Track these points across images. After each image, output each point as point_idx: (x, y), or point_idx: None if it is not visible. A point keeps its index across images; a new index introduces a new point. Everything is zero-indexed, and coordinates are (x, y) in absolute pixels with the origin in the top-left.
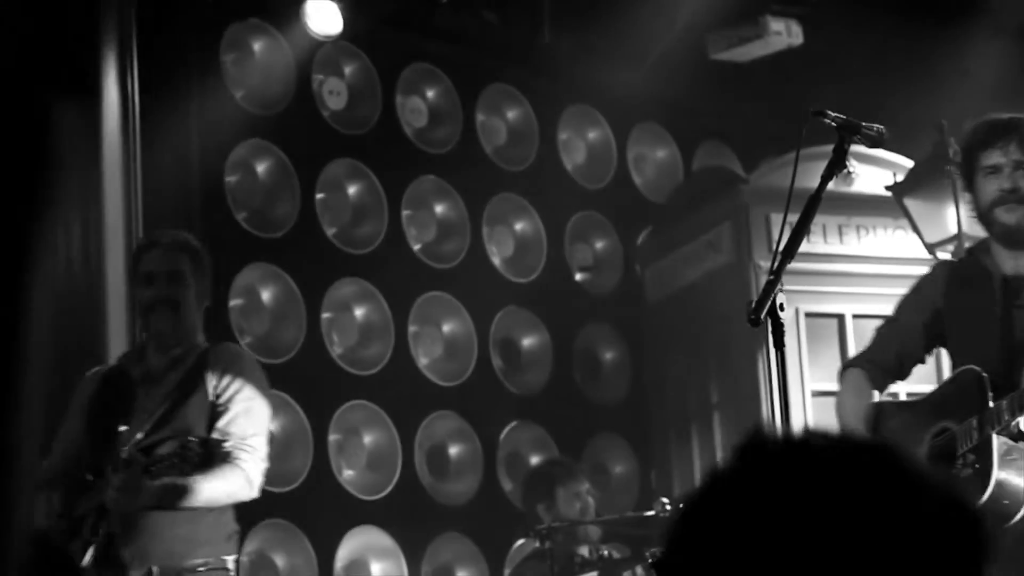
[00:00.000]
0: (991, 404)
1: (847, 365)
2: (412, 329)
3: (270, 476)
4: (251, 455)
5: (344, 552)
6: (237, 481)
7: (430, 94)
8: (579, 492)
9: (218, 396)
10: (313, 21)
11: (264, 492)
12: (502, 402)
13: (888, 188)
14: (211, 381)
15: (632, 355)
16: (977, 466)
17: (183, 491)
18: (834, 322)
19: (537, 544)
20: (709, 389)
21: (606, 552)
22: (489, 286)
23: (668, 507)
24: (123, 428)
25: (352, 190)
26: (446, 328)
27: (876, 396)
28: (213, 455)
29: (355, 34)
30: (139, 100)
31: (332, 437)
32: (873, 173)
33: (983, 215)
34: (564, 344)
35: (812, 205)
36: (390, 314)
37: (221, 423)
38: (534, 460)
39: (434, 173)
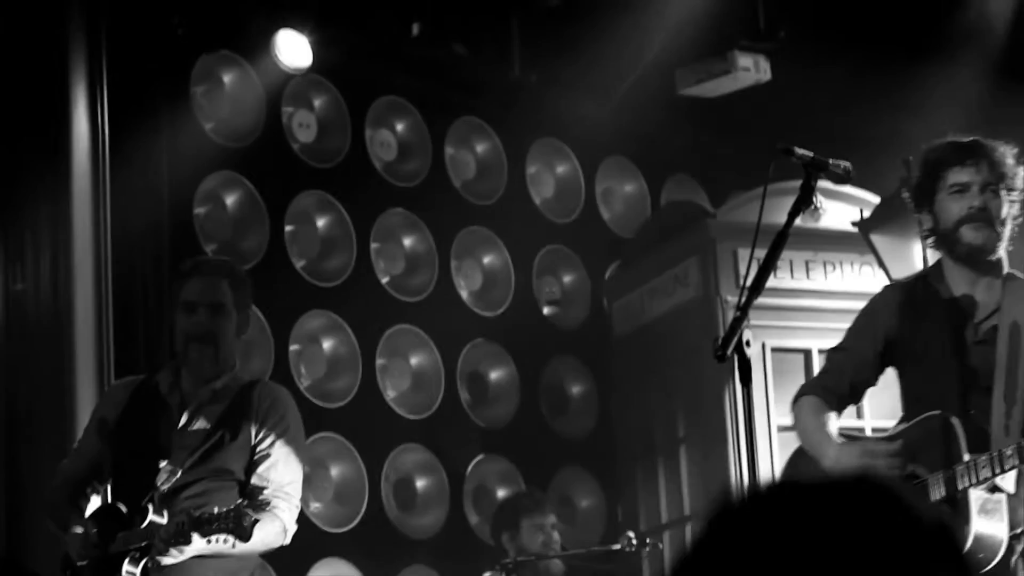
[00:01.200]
0: (966, 457)
1: (800, 393)
2: (380, 362)
3: None
4: (288, 503)
5: None
6: (275, 530)
7: (399, 127)
8: (543, 524)
9: (260, 440)
10: (283, 54)
11: None
12: (469, 435)
13: (855, 224)
14: (255, 424)
15: (599, 389)
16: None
17: (222, 548)
18: (800, 357)
19: None
20: (676, 423)
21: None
22: (457, 319)
23: (634, 541)
24: (163, 463)
25: (321, 222)
26: (414, 361)
27: (833, 420)
28: (252, 497)
29: (325, 67)
30: (108, 131)
31: None
32: (840, 209)
33: (946, 234)
34: (531, 377)
35: (779, 241)
36: (358, 347)
37: (262, 468)
38: (501, 493)
39: (403, 206)
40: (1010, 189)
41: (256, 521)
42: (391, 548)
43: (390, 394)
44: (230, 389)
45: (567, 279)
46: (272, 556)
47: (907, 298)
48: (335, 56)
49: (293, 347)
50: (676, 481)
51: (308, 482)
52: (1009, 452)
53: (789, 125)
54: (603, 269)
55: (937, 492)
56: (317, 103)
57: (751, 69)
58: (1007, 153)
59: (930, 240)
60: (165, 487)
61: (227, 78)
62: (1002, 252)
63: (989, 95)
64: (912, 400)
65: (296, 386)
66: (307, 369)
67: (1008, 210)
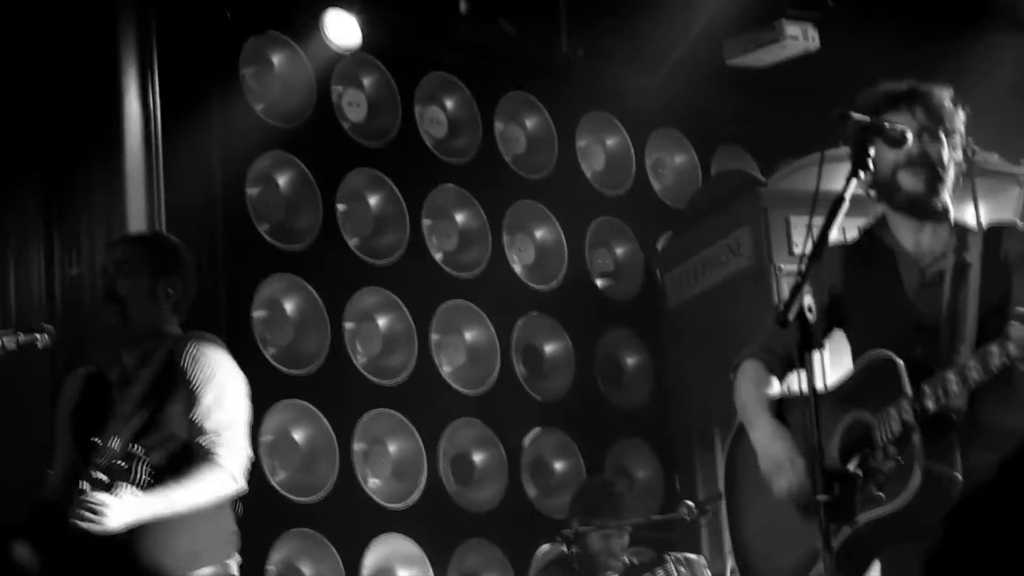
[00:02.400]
0: (909, 392)
1: (743, 357)
2: (435, 338)
3: (296, 486)
4: (229, 449)
5: (370, 560)
6: (219, 479)
7: (449, 104)
8: (609, 536)
9: (191, 393)
10: (332, 33)
11: (290, 502)
12: (525, 409)
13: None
14: (184, 379)
15: (654, 360)
16: (900, 459)
17: (164, 503)
18: None
19: (564, 549)
20: (731, 392)
21: (627, 559)
22: (511, 293)
23: (694, 510)
24: (95, 439)
25: (373, 201)
26: (468, 336)
27: (776, 386)
28: (192, 451)
29: (373, 46)
30: (160, 116)
31: (357, 446)
32: None
33: (885, 182)
34: (586, 350)
35: (837, 206)
36: (413, 323)
37: (194, 418)
38: (558, 466)
39: (454, 182)
40: (948, 132)
41: (144, 460)
42: (450, 523)
43: (446, 369)
44: (159, 349)
45: (619, 251)
46: (333, 532)
47: (852, 255)
48: (383, 35)
49: (348, 325)
50: None
51: (366, 459)
52: (972, 364)
53: (838, 93)
54: (655, 240)
55: (885, 434)
56: (366, 82)
57: (799, 38)
58: (943, 96)
59: (871, 192)
60: (99, 460)
61: (276, 59)
62: (947, 199)
63: None
64: (861, 354)
65: (352, 364)
66: (363, 347)
67: (949, 154)
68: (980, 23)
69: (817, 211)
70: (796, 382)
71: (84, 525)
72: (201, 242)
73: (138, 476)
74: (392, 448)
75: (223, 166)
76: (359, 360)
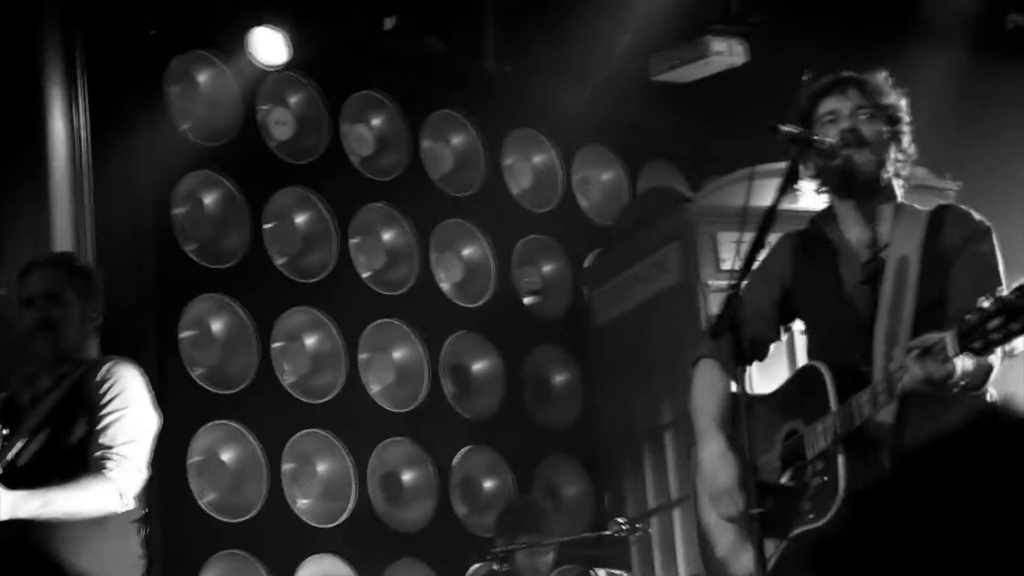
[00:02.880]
0: (833, 408)
1: (698, 356)
2: (363, 356)
3: (225, 507)
4: (119, 464)
5: None
6: (102, 492)
7: (376, 122)
8: (535, 554)
9: (97, 412)
10: (258, 51)
11: (219, 523)
12: (454, 427)
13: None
14: (92, 399)
15: (582, 377)
16: (825, 478)
17: (40, 502)
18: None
19: (493, 567)
20: (660, 409)
21: None
22: (439, 312)
23: (624, 527)
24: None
25: (300, 219)
26: (397, 355)
27: (731, 386)
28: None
29: (300, 63)
30: (86, 135)
31: (286, 466)
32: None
33: (822, 167)
34: (514, 368)
35: (768, 219)
36: (341, 342)
37: (96, 432)
38: (488, 484)
39: (382, 200)
40: (884, 111)
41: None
42: (380, 542)
43: (374, 388)
44: (73, 372)
45: (547, 268)
46: (263, 553)
47: (800, 243)
48: (310, 52)
49: (276, 344)
50: (662, 466)
51: (295, 479)
52: (880, 387)
53: (764, 108)
54: (583, 257)
55: (812, 449)
56: (293, 100)
57: (725, 53)
58: (880, 78)
59: (817, 183)
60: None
61: (202, 77)
62: (889, 179)
63: (968, 71)
64: (812, 351)
65: (280, 383)
66: (291, 366)
67: (883, 131)
68: (902, 35)
69: (747, 227)
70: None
71: None
72: (129, 262)
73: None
74: (321, 468)
75: (150, 185)
76: (287, 380)
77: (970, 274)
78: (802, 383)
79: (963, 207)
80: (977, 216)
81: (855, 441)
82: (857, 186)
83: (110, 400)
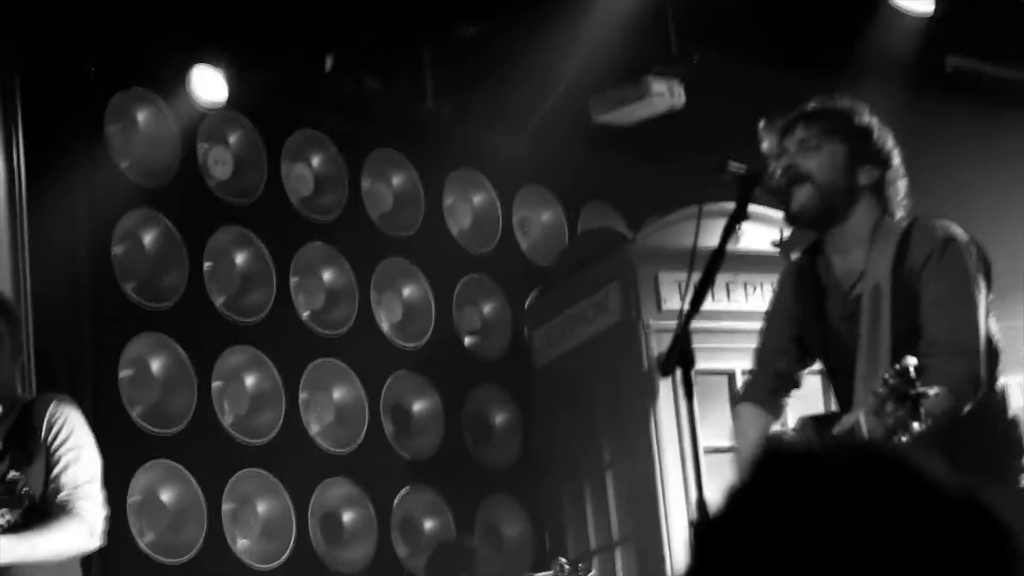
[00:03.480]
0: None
1: (736, 400)
2: (303, 396)
3: (165, 547)
4: (88, 502)
5: None
6: (79, 531)
7: (315, 161)
8: None
9: (48, 449)
10: (198, 89)
11: (157, 564)
12: (394, 467)
13: (775, 244)
14: (40, 438)
15: (523, 417)
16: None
17: (27, 547)
18: (724, 379)
19: None
20: (601, 448)
21: None
22: (378, 352)
23: (566, 567)
24: None
25: (240, 258)
26: (337, 395)
27: (772, 423)
28: (50, 508)
29: (239, 103)
30: (24, 174)
31: (225, 507)
32: (759, 231)
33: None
34: (455, 408)
35: (717, 255)
36: (280, 382)
37: (54, 474)
38: (428, 524)
39: (321, 240)
40: (834, 137)
41: (26, 488)
42: None
43: (314, 428)
44: (12, 412)
45: (487, 309)
46: None
47: (796, 278)
48: (249, 92)
49: (216, 384)
50: (603, 506)
51: (235, 519)
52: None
53: (704, 148)
54: (523, 298)
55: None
56: (232, 139)
57: (665, 94)
58: (828, 106)
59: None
60: None
61: (141, 116)
62: (850, 203)
63: (909, 110)
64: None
65: (220, 423)
66: (230, 406)
67: (833, 159)
68: (844, 71)
69: (679, 267)
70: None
71: None
72: (67, 301)
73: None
74: (261, 508)
75: (88, 224)
76: (227, 420)
77: (934, 298)
78: (804, 436)
79: (927, 221)
80: (939, 228)
81: None
82: (809, 220)
83: (65, 439)
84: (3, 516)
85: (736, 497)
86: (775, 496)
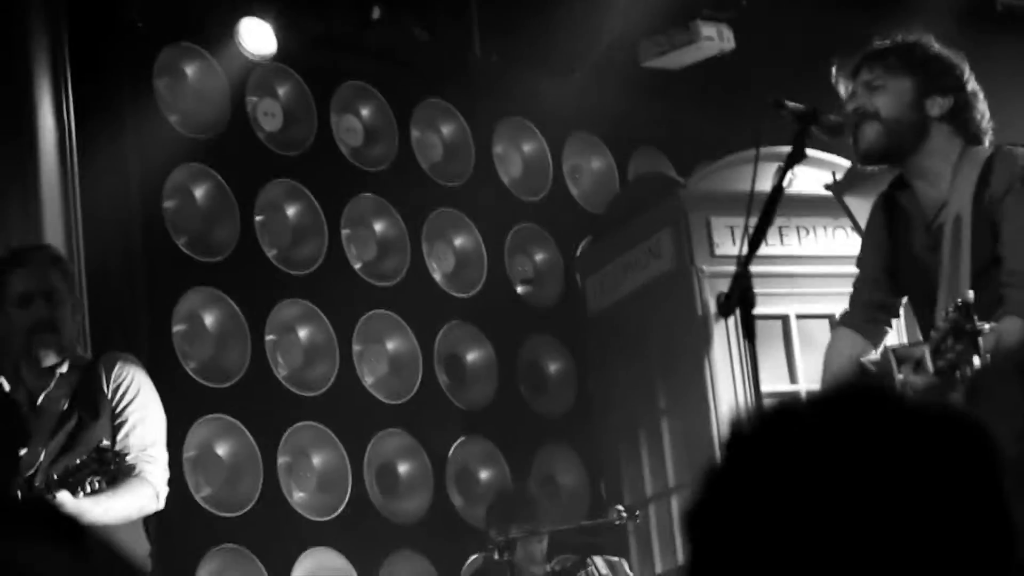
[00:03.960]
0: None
1: (837, 323)
2: (356, 348)
3: (221, 501)
4: (154, 465)
5: (298, 574)
6: (146, 494)
7: (364, 112)
8: (532, 553)
9: (115, 409)
10: (247, 42)
11: (215, 517)
12: (449, 418)
13: (827, 187)
14: (107, 395)
15: (577, 366)
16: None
17: (100, 510)
18: (779, 323)
19: (495, 557)
20: (656, 396)
21: (550, 567)
22: (431, 302)
23: (624, 514)
24: (23, 452)
25: (291, 211)
26: (390, 346)
27: (869, 350)
28: (117, 469)
29: (287, 55)
30: (74, 130)
31: (281, 459)
32: (811, 173)
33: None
34: (508, 357)
35: (776, 192)
36: (334, 334)
37: (120, 435)
38: (484, 475)
39: (372, 191)
40: (900, 73)
41: (119, 453)
42: (377, 534)
43: (368, 380)
44: (75, 370)
45: (539, 257)
46: (259, 547)
47: (885, 208)
48: (297, 44)
49: (269, 337)
50: (659, 454)
51: (291, 471)
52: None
53: (754, 93)
54: (575, 246)
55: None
56: (281, 91)
57: (715, 38)
58: (892, 43)
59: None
60: (30, 472)
61: (190, 70)
62: (927, 136)
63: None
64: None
65: (274, 376)
66: (284, 359)
67: (900, 96)
68: (894, 12)
69: (735, 212)
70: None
71: None
72: (118, 256)
73: (111, 469)
74: (316, 460)
75: (139, 179)
76: (281, 372)
77: (1012, 230)
78: (885, 366)
79: (1010, 149)
80: (1021, 157)
81: None
82: (879, 157)
83: (131, 400)
84: (92, 483)
85: (730, 457)
86: (764, 450)
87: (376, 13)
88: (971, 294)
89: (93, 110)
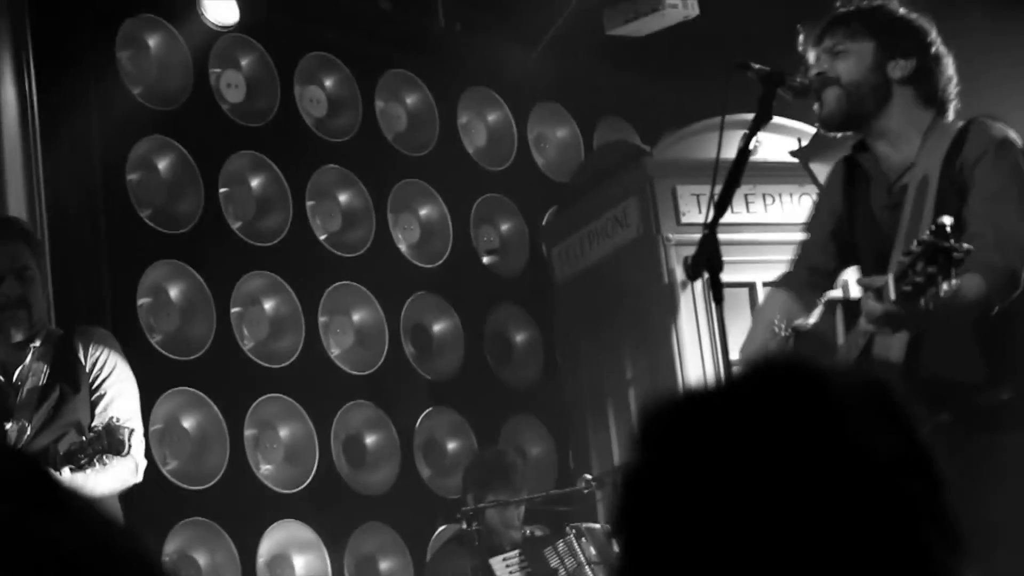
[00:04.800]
0: (841, 340)
1: (772, 283)
2: (322, 320)
3: (188, 474)
4: (134, 438)
5: (266, 547)
6: (127, 467)
7: (328, 83)
8: (508, 519)
9: (93, 382)
10: (208, 13)
11: (183, 490)
12: (416, 389)
13: (793, 154)
14: (84, 369)
15: (544, 336)
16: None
17: (88, 485)
18: (745, 291)
19: (463, 527)
20: (624, 365)
21: (528, 531)
22: (397, 273)
23: (593, 483)
24: (8, 425)
25: (255, 183)
26: (356, 317)
27: (801, 314)
28: (127, 444)
29: (250, 26)
30: (37, 101)
31: (248, 432)
32: (776, 141)
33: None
34: (475, 328)
35: (742, 157)
36: (299, 306)
37: (99, 409)
38: (451, 446)
39: (336, 162)
40: (861, 38)
41: (131, 431)
42: (345, 506)
43: (334, 351)
44: (49, 344)
45: (505, 227)
46: (226, 520)
47: (846, 169)
48: (260, 14)
49: (235, 309)
50: (626, 423)
51: (257, 444)
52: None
53: (720, 60)
54: (540, 215)
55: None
56: (244, 62)
57: (679, 5)
58: (855, 7)
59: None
60: (18, 446)
61: (152, 41)
62: (886, 100)
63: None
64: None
65: (240, 349)
66: (250, 331)
67: (862, 61)
68: None
69: (700, 181)
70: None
71: None
72: (83, 230)
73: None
74: (283, 433)
75: (102, 151)
76: (247, 345)
77: (987, 194)
78: (829, 317)
79: (986, 118)
80: (997, 128)
81: None
82: (840, 122)
83: (108, 375)
84: (101, 459)
85: (642, 446)
86: (673, 439)
87: None
88: (950, 219)
89: (55, 83)
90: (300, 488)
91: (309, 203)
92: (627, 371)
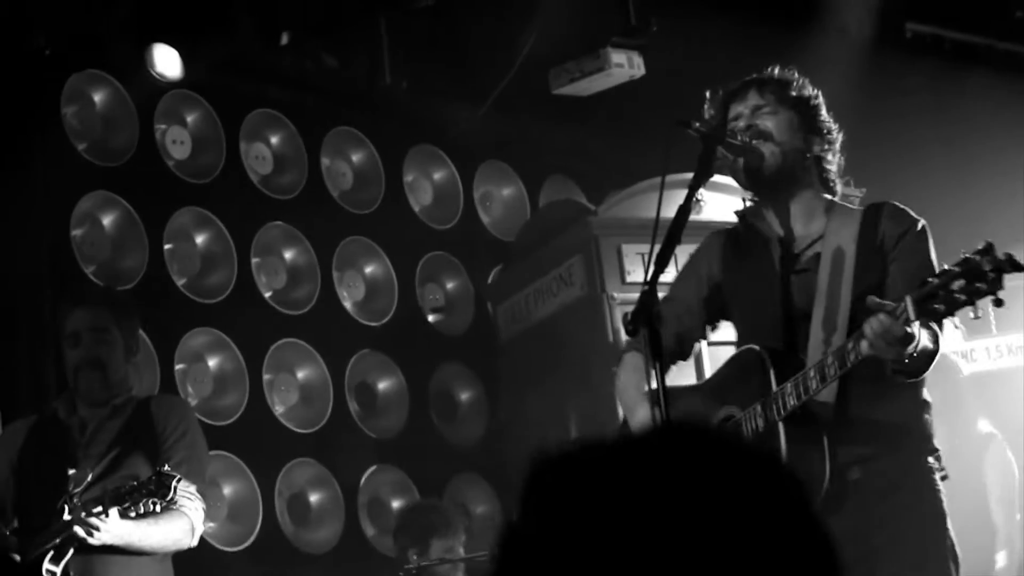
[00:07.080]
0: (774, 388)
1: (624, 350)
2: (267, 377)
3: None
4: (194, 503)
5: None
6: (182, 527)
7: (274, 140)
8: (453, 547)
9: (163, 445)
10: (154, 68)
11: None
12: (361, 446)
13: (737, 213)
14: (156, 432)
15: (488, 394)
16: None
17: (139, 535)
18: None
19: None
20: (568, 423)
21: None
22: (342, 330)
23: None
24: (72, 471)
25: (200, 239)
26: (301, 374)
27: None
28: (173, 496)
29: (196, 82)
30: None
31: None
32: (722, 200)
33: (731, 166)
34: (420, 386)
35: (682, 216)
36: (244, 363)
37: (166, 469)
38: (396, 504)
39: (282, 219)
40: (787, 104)
41: (179, 479)
42: (288, 564)
43: (279, 409)
44: (128, 406)
45: (450, 285)
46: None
47: (729, 240)
48: (205, 70)
49: (179, 366)
50: None
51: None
52: (830, 360)
53: (664, 120)
54: (486, 274)
55: (749, 430)
56: (190, 119)
57: (625, 65)
58: (784, 74)
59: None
60: (77, 490)
61: (97, 97)
62: (806, 168)
63: (865, 62)
64: (742, 344)
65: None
66: (194, 388)
67: (790, 123)
68: (802, 33)
69: (643, 239)
70: (677, 375)
71: (80, 532)
72: (26, 285)
73: (171, 492)
74: (227, 491)
75: (47, 207)
76: (191, 402)
77: (907, 267)
78: (738, 368)
79: (898, 204)
80: (912, 213)
81: (795, 422)
82: (770, 178)
83: (179, 439)
84: (147, 504)
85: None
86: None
87: (285, 39)
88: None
89: (0, 138)
90: (244, 546)
91: (254, 260)
92: (572, 429)
